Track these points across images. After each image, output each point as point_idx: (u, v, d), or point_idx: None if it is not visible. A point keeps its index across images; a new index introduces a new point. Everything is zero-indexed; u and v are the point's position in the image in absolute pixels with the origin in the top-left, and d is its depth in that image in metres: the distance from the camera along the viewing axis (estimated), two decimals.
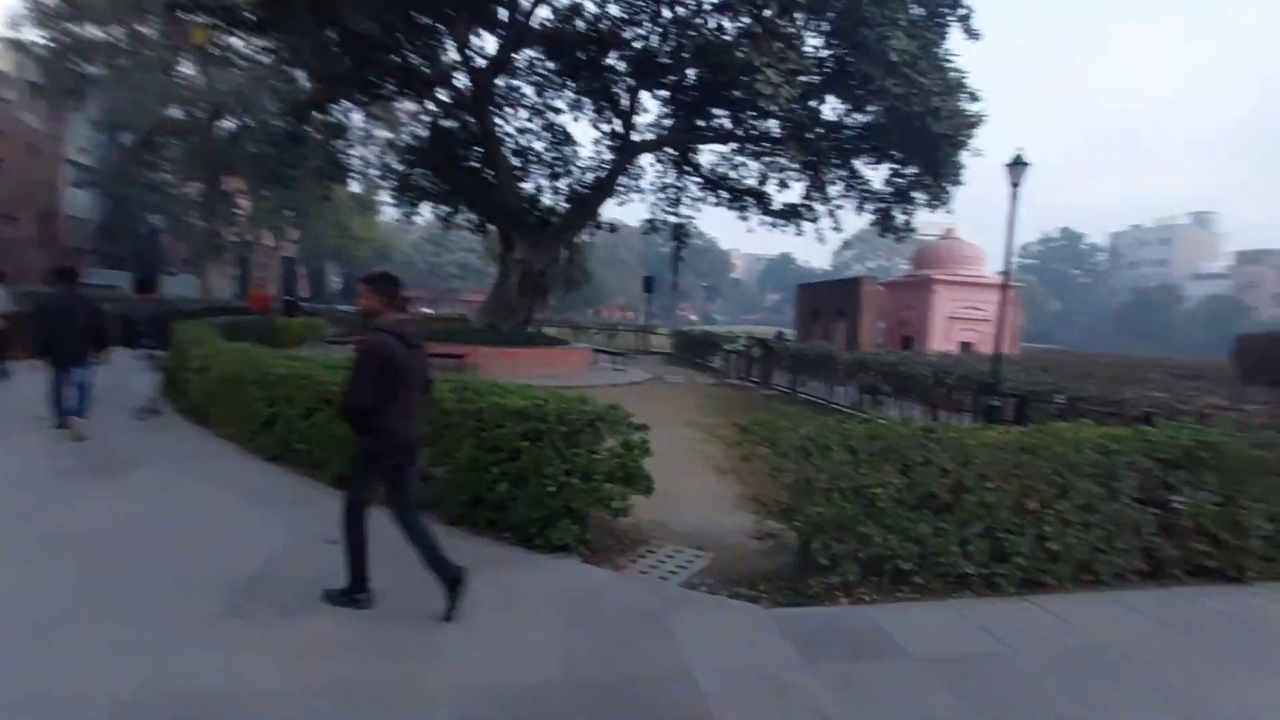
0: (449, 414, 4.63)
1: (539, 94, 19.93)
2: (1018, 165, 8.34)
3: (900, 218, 17.23)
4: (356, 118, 25.11)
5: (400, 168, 18.36)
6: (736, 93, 15.58)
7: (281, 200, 32.11)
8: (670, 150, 19.85)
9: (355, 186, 33.78)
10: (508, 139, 19.53)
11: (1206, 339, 60.63)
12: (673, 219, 21.68)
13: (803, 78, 8.25)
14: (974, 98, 11.24)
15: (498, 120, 18.19)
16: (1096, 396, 6.84)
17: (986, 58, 16.59)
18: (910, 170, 15.60)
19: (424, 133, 19.33)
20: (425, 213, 21.49)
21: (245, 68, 28.49)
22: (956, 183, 15.16)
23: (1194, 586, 4.50)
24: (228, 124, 32.24)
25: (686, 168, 20.12)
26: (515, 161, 19.39)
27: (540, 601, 3.71)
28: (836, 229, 17.65)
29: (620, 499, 4.20)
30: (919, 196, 16.04)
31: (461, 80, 16.95)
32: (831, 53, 9.93)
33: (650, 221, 21.72)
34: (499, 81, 18.49)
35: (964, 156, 13.22)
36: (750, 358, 16.43)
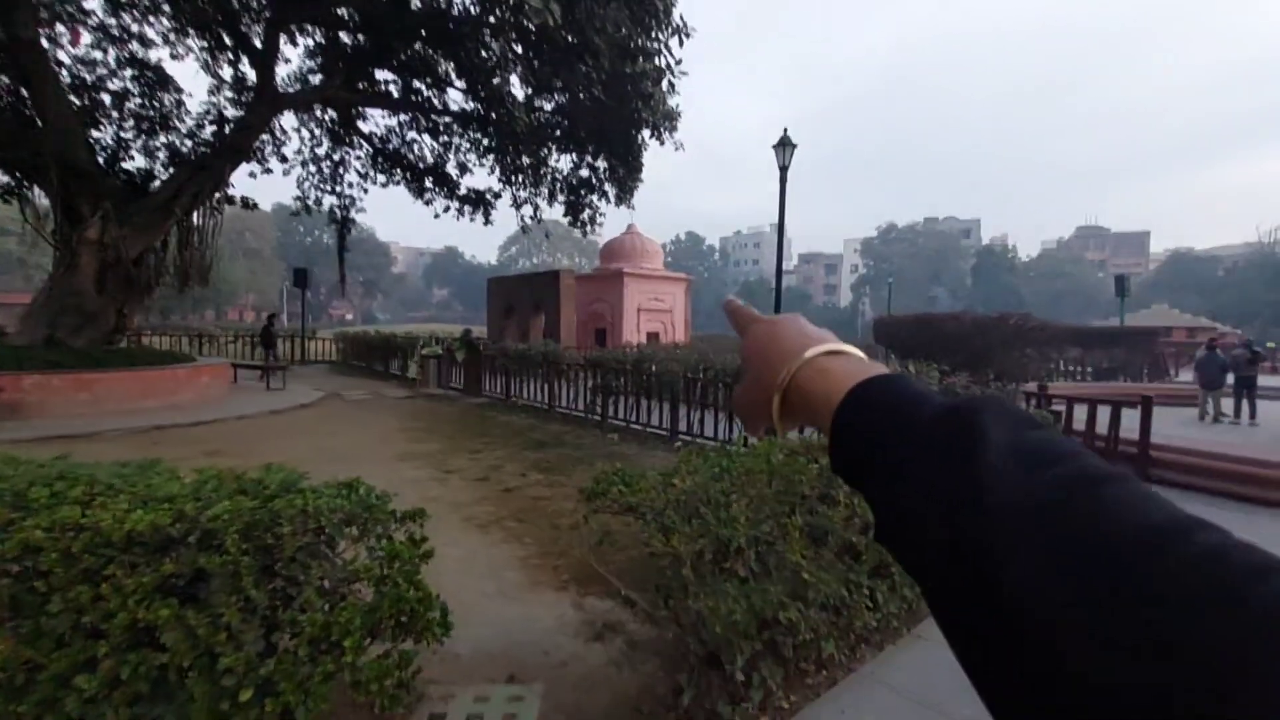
0: None
1: (113, 14, 14.21)
2: (784, 146, 8.35)
3: (587, 210, 16.98)
4: None
5: None
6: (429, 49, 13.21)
7: None
8: (325, 112, 16.16)
9: None
10: (62, 70, 13.43)
11: None
12: (331, 199, 17.89)
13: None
14: (674, 89, 11.27)
15: (44, 43, 12.19)
16: None
17: None
18: (601, 163, 15.37)
19: None
20: None
21: None
22: (640, 178, 15.46)
23: None
24: None
25: (349, 136, 16.66)
26: (78, 102, 13.42)
27: None
28: (536, 218, 16.56)
29: (399, 670, 2.21)
30: (609, 189, 15.95)
31: None
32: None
33: (301, 200, 17.53)
34: None
35: (662, 149, 13.32)
36: (453, 361, 14.27)
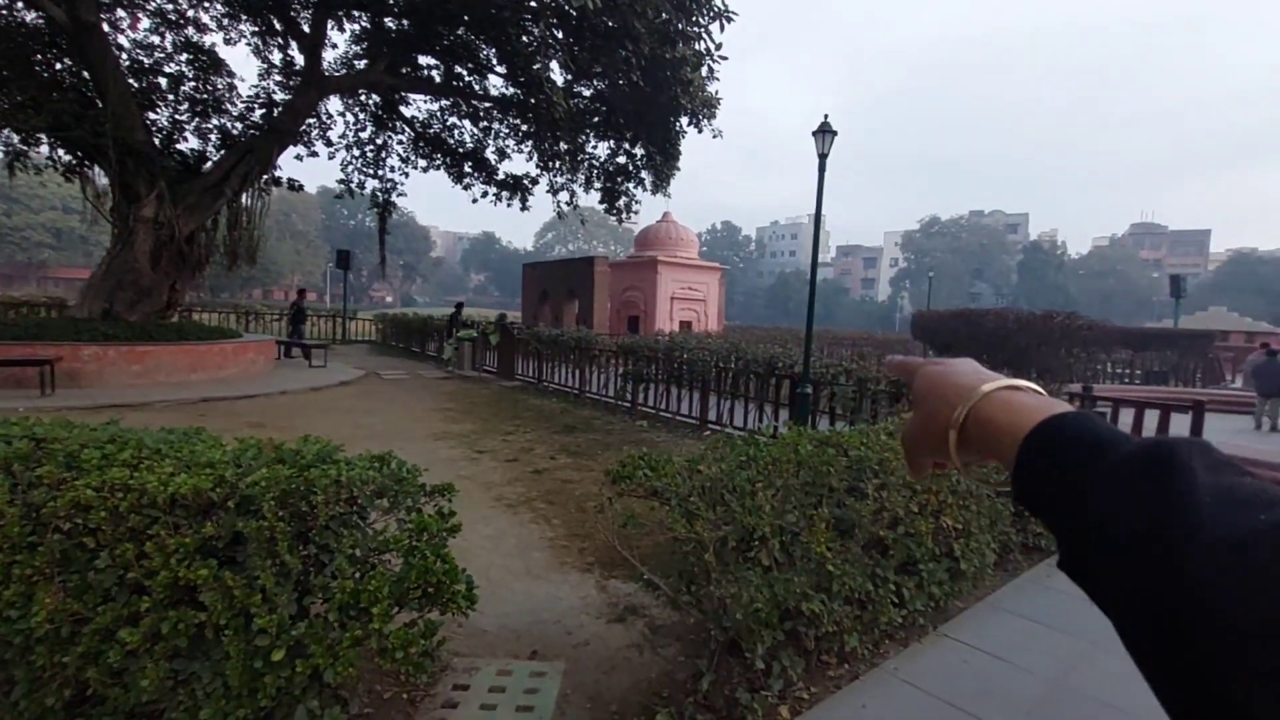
0: None
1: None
2: (824, 133, 8.21)
3: (624, 198, 16.92)
4: None
5: None
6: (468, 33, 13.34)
7: None
8: (369, 97, 16.44)
9: None
10: (122, 54, 13.92)
11: (822, 312, 78.35)
12: (373, 182, 18.22)
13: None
14: (713, 75, 11.11)
15: (105, 27, 12.66)
16: (875, 377, 6.94)
17: None
18: (639, 150, 15.30)
19: None
20: None
21: None
22: (677, 166, 15.33)
23: (1033, 567, 4.44)
24: None
25: (392, 121, 16.94)
26: (136, 85, 13.92)
27: None
28: (572, 205, 16.61)
29: (424, 639, 2.26)
30: (646, 176, 15.89)
31: None
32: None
33: (344, 184, 17.91)
34: None
35: (701, 137, 13.15)
36: (488, 345, 14.47)
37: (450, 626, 3.06)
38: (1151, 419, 7.30)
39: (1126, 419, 7.55)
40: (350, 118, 17.48)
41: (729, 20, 10.31)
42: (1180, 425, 7.10)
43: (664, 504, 2.71)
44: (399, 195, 18.73)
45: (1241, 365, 18.66)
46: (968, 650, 3.27)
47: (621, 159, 15.96)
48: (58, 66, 13.18)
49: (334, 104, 16.91)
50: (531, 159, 16.68)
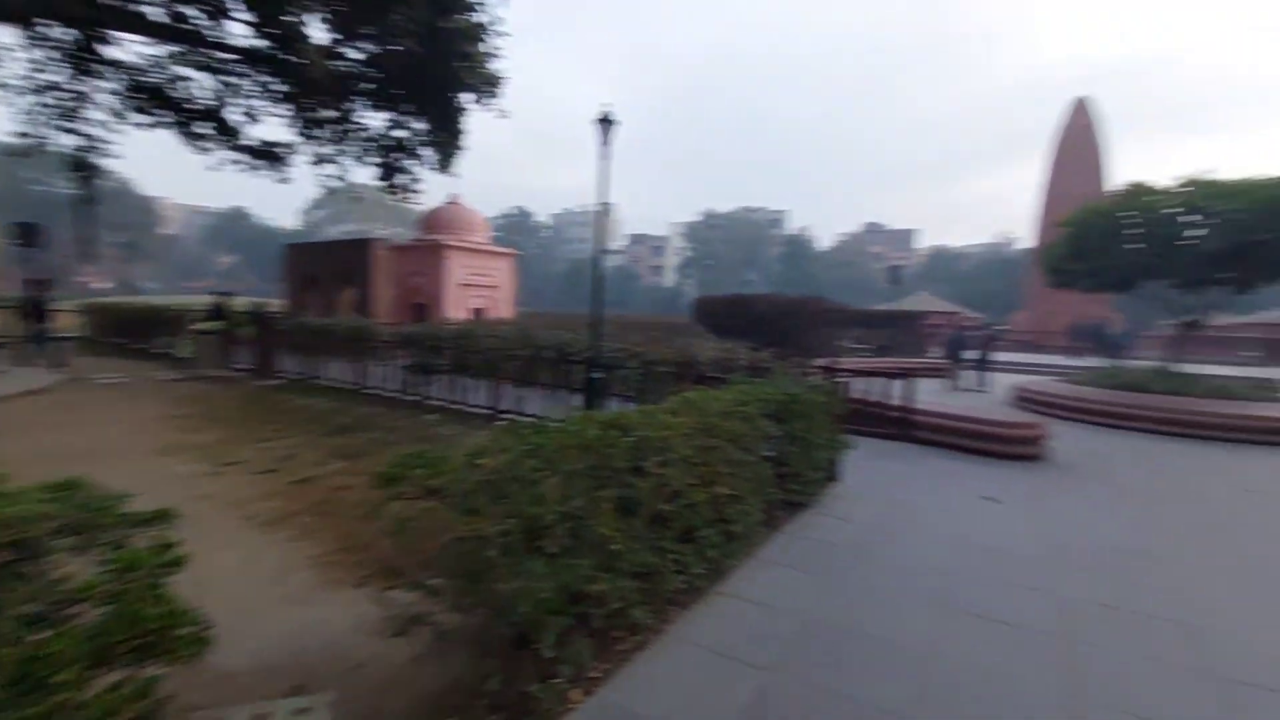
0: None
1: None
2: (606, 123, 8.16)
3: (403, 176, 15.72)
4: None
5: None
6: None
7: None
8: (60, 28, 13.08)
9: None
10: None
11: (614, 298, 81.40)
12: (70, 138, 14.58)
13: None
14: (495, 52, 10.69)
15: None
16: (661, 359, 7.30)
17: None
18: (420, 125, 14.29)
19: None
20: None
21: None
22: (460, 145, 14.65)
23: (795, 520, 5.04)
24: None
25: (93, 63, 13.67)
26: None
27: None
28: (341, 179, 14.90)
29: (138, 699, 1.84)
30: (429, 153, 14.92)
31: None
32: None
33: (27, 136, 14.09)
34: None
35: (490, 117, 12.63)
36: (239, 338, 12.45)
37: (185, 676, 2.56)
38: (877, 385, 8.76)
39: (861, 386, 8.98)
40: (38, 54, 13.72)
41: None
42: (899, 388, 8.61)
43: (444, 503, 2.53)
44: (109, 157, 15.22)
45: (939, 338, 23.22)
46: (740, 603, 3.60)
47: (400, 133, 14.75)
48: None
49: (6, 35, 13.13)
50: (294, 125, 14.66)
